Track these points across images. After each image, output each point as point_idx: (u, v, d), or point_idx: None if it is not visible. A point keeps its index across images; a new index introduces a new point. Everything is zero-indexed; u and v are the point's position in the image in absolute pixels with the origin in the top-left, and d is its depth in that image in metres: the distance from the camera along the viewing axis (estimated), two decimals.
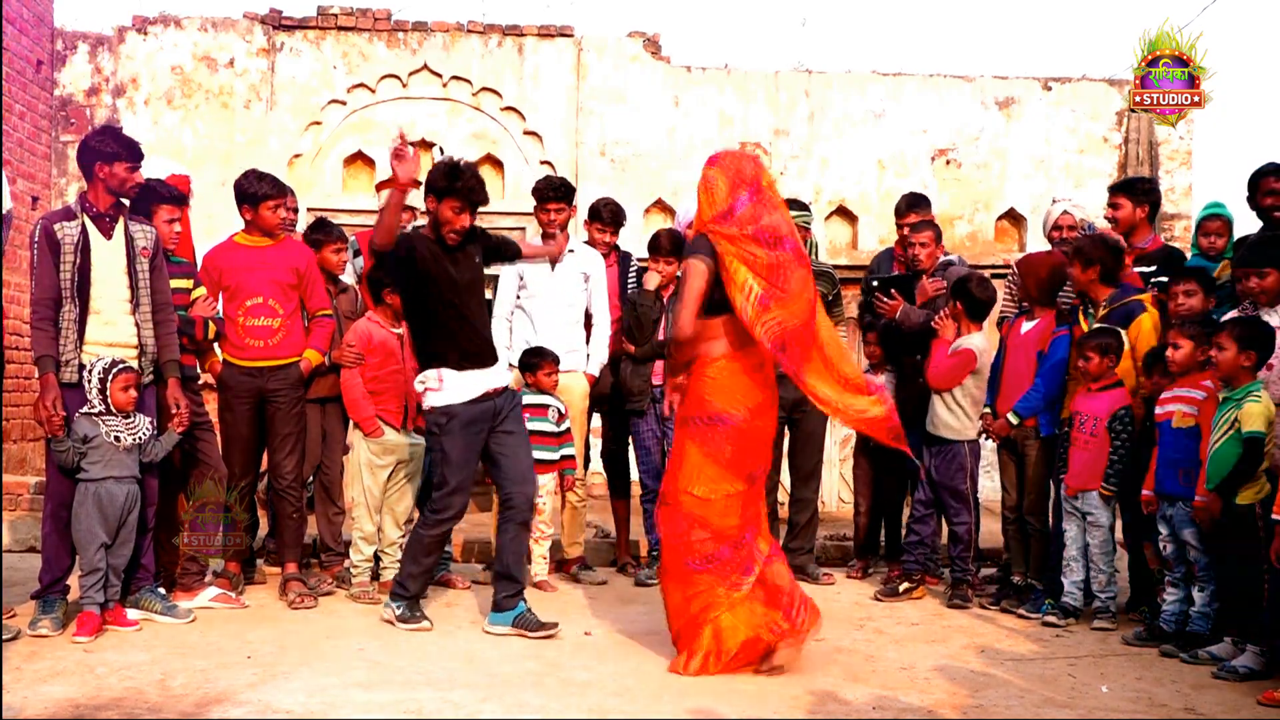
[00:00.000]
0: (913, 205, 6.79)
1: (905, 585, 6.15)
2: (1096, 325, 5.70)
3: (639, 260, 6.97)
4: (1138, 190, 6.12)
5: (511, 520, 5.24)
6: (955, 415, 6.05)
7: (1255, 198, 5.56)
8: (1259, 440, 4.77)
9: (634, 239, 9.53)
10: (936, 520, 6.27)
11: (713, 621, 4.58)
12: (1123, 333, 5.64)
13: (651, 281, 6.47)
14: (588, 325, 6.64)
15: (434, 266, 5.09)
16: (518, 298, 6.64)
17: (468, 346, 5.17)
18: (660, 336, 6.52)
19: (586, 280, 6.60)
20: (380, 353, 6.00)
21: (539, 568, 6.30)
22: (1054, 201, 6.91)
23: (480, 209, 5.25)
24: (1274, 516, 4.57)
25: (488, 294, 6.45)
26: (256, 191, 5.82)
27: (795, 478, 6.68)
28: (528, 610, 5.15)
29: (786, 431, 6.62)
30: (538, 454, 6.13)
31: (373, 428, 5.97)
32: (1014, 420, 5.94)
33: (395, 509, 6.08)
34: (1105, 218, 6.20)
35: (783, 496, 6.98)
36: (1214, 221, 5.93)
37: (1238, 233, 5.91)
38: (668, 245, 6.43)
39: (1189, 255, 6.13)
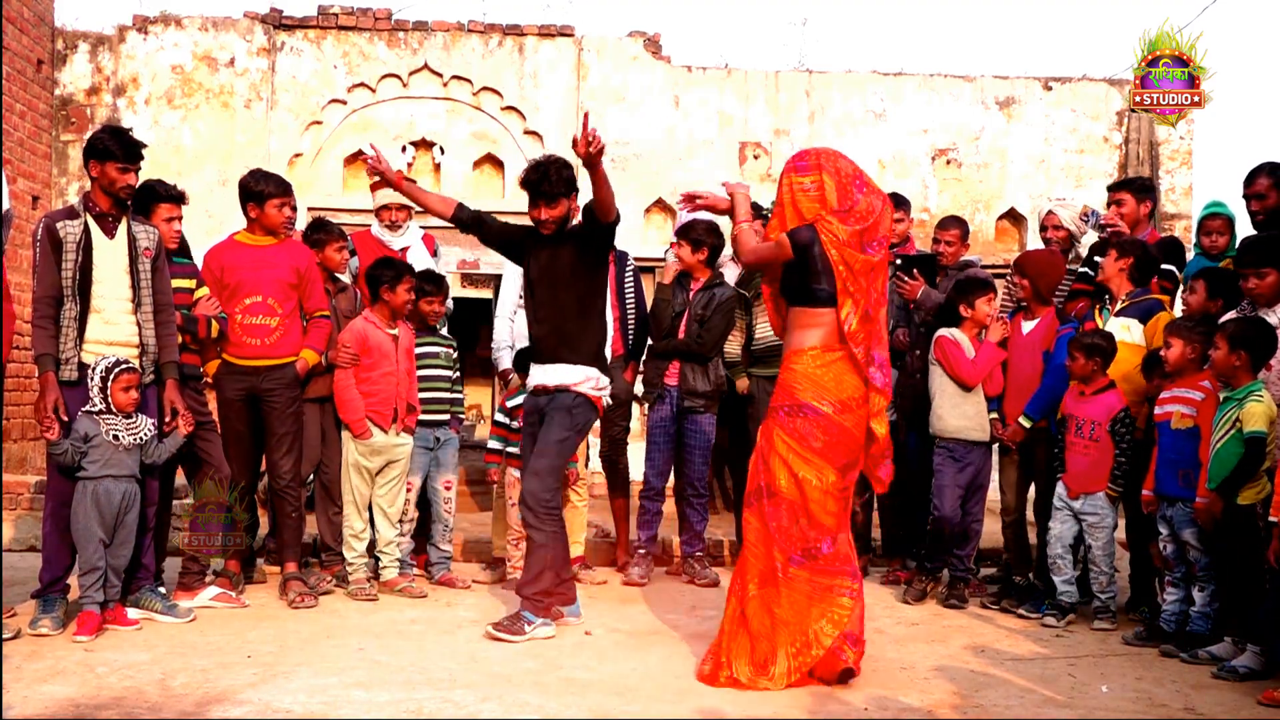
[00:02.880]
0: (898, 204, 6.86)
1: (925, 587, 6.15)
2: (1109, 323, 5.73)
3: (636, 259, 6.97)
4: (1138, 187, 6.22)
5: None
6: (981, 418, 6.07)
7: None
8: (1261, 440, 4.77)
9: (634, 239, 9.54)
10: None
11: (808, 626, 4.39)
12: (1140, 327, 5.69)
13: (669, 273, 6.48)
14: None
15: (528, 258, 5.31)
16: (520, 297, 6.65)
17: (533, 339, 5.35)
18: (681, 335, 6.52)
19: None
20: (375, 354, 6.00)
21: None
22: (1049, 200, 6.98)
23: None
24: (1272, 518, 4.57)
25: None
26: (264, 190, 5.83)
27: None
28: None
29: None
30: None
31: (361, 430, 5.97)
32: (1027, 424, 5.95)
33: (388, 509, 6.09)
34: (1104, 221, 6.24)
35: None
36: (1215, 220, 5.97)
37: (1239, 232, 5.93)
38: (699, 232, 6.52)
39: (1192, 255, 6.15)
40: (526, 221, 5.40)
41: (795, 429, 4.46)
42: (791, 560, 4.44)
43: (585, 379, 5.20)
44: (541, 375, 5.27)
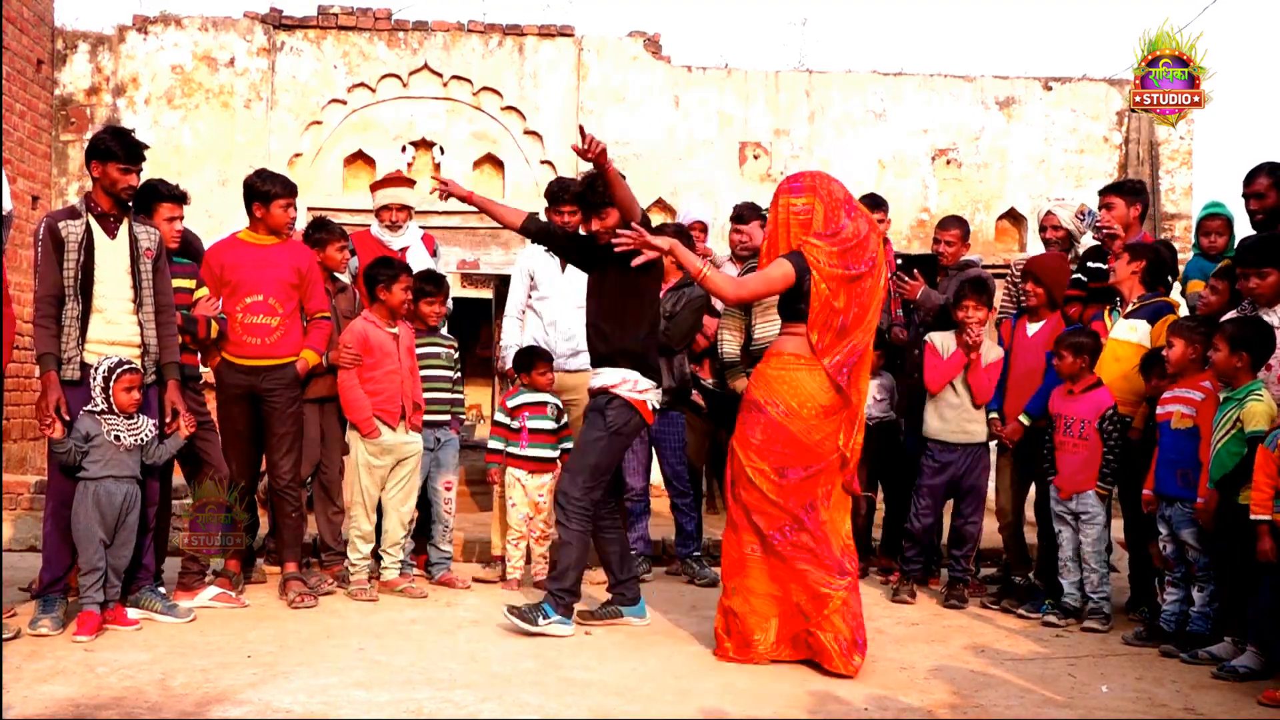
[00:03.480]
0: (877, 204, 6.82)
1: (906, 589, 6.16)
2: (1118, 324, 5.72)
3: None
4: (1128, 190, 6.20)
5: None
6: (977, 419, 6.05)
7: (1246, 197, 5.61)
8: (1261, 439, 4.77)
9: None
10: (939, 523, 6.26)
11: (791, 599, 4.70)
12: (1147, 329, 5.67)
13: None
14: None
15: (592, 265, 5.41)
16: (529, 297, 6.65)
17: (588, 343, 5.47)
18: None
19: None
20: (377, 353, 6.00)
21: (539, 566, 6.31)
22: (1048, 201, 6.97)
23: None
24: (1255, 516, 4.58)
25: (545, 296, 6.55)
26: (270, 190, 5.83)
27: None
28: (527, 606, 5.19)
29: None
30: (540, 451, 6.19)
31: (370, 429, 5.97)
32: (1026, 421, 5.94)
33: (399, 509, 6.08)
34: (1099, 224, 6.22)
35: None
36: (1214, 220, 5.98)
37: (1238, 232, 5.92)
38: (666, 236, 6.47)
39: (1190, 255, 6.14)
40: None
41: (741, 421, 4.81)
42: (785, 530, 4.71)
43: (622, 381, 5.23)
44: (592, 379, 5.38)
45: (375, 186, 7.00)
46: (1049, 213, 6.59)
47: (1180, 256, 6.53)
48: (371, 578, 6.04)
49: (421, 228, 7.13)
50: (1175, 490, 5.19)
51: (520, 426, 6.29)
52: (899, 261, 6.68)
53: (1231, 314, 5.19)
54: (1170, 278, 6.03)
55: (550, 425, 6.28)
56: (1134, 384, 5.65)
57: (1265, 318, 4.99)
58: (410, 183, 7.19)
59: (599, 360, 5.33)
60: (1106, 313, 5.92)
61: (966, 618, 5.80)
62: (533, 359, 6.31)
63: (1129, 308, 5.80)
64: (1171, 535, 5.23)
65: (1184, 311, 5.90)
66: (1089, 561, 5.62)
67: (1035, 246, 9.05)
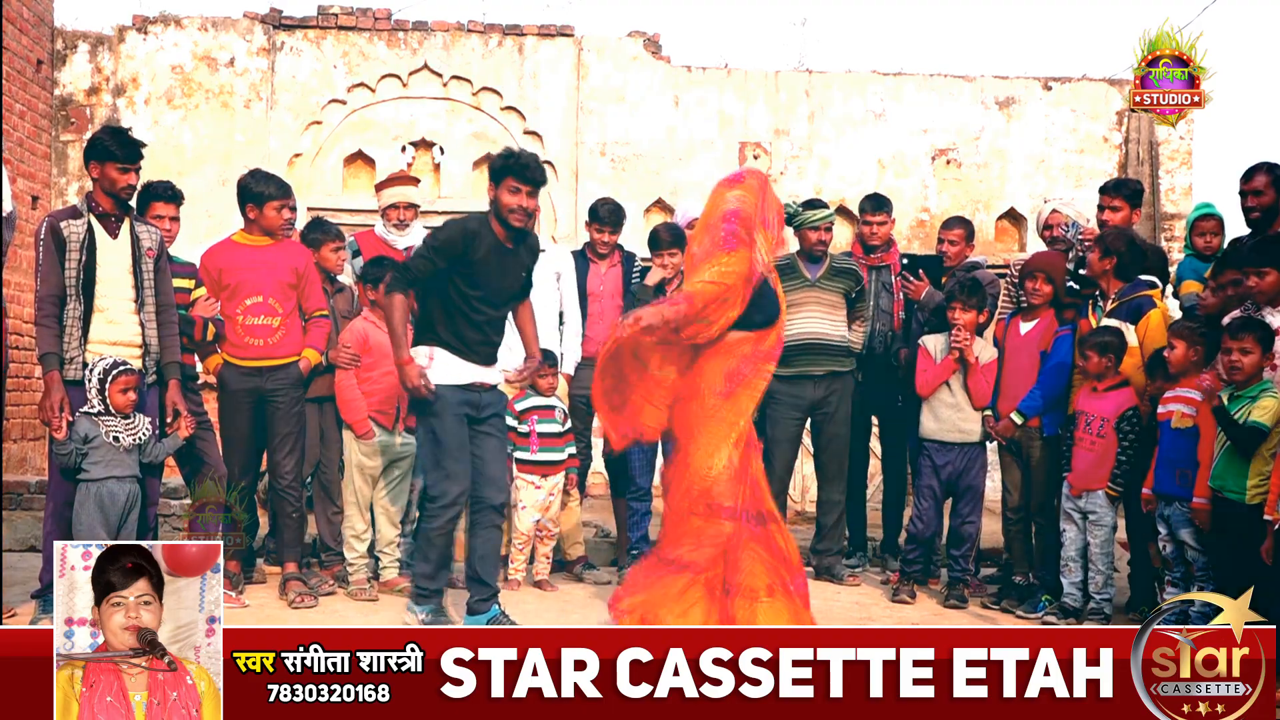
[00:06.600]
0: (880, 205, 6.80)
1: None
2: (1103, 323, 5.70)
3: (642, 260, 6.94)
4: (1128, 191, 6.19)
5: (480, 523, 5.20)
6: (972, 419, 6.06)
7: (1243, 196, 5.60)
8: (1261, 432, 4.76)
9: (634, 239, 9.52)
10: (939, 524, 6.26)
11: None
12: (1130, 329, 5.63)
13: (653, 277, 6.45)
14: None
15: (482, 257, 5.02)
16: None
17: (472, 336, 5.11)
18: None
19: (559, 279, 6.60)
20: (375, 353, 5.99)
21: (540, 566, 6.31)
22: (1045, 201, 6.95)
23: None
24: (1267, 517, 4.57)
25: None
26: (263, 191, 5.81)
27: (821, 479, 6.65)
28: (501, 613, 5.11)
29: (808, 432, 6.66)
30: (547, 455, 6.17)
31: (364, 429, 5.97)
32: (1018, 420, 5.93)
33: (390, 509, 6.07)
34: (1100, 220, 6.20)
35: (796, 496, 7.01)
36: (1207, 221, 6.01)
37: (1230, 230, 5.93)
38: (668, 239, 6.44)
39: (1183, 255, 6.14)
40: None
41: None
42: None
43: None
44: (487, 374, 5.24)
45: (381, 185, 6.97)
46: (1054, 211, 6.56)
47: (1173, 256, 6.53)
48: (371, 577, 6.04)
49: (426, 228, 7.10)
50: (1174, 490, 5.20)
51: (529, 430, 6.25)
52: (904, 261, 6.68)
53: (1235, 313, 5.17)
54: (1161, 281, 6.02)
55: (558, 428, 6.27)
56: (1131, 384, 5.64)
57: (1267, 318, 4.98)
58: (415, 181, 7.17)
59: (492, 362, 5.29)
60: (1090, 308, 5.87)
61: (967, 618, 5.80)
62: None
63: (1109, 305, 5.75)
64: (1171, 535, 5.24)
65: (1174, 311, 5.88)
66: (1095, 563, 5.61)
67: (1035, 246, 9.06)
